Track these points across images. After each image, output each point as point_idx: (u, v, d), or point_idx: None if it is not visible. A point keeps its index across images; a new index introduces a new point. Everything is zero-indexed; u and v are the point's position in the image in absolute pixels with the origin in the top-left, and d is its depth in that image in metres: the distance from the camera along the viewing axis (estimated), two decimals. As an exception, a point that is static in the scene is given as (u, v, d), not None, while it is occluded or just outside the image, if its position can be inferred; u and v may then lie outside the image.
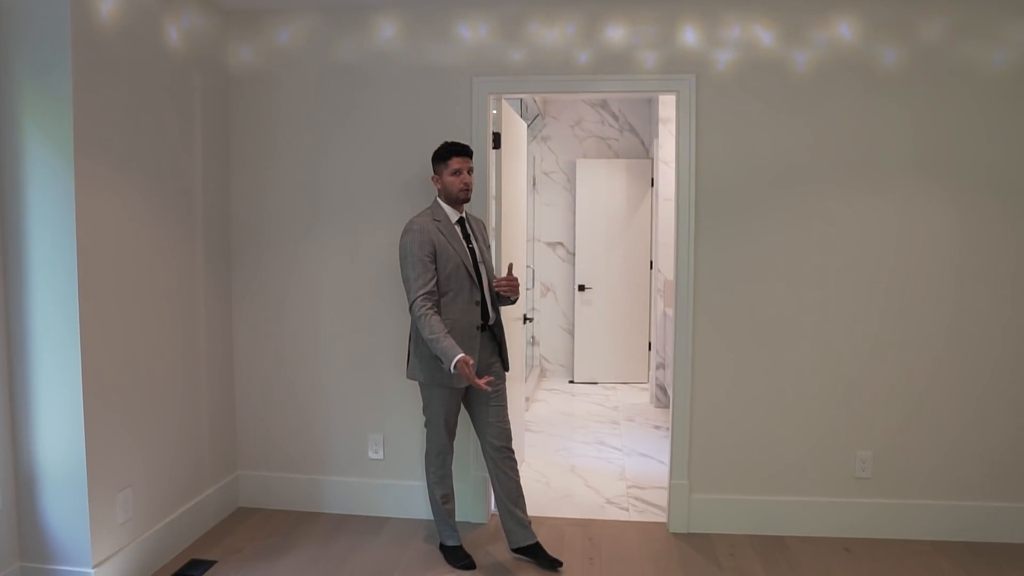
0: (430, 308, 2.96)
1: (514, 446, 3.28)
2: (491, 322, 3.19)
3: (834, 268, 3.42)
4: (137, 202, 3.01)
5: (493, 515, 3.68)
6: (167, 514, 3.23)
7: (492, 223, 3.64)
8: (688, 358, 3.49)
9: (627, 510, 3.86)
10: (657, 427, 5.48)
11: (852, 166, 3.37)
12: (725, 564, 3.22)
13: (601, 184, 6.83)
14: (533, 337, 7.12)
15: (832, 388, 3.46)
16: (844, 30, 3.33)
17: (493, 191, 3.69)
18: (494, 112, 3.68)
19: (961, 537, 3.43)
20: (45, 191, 2.67)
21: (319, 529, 3.56)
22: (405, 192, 3.59)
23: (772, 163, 3.41)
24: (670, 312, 5.60)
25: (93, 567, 2.77)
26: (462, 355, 2.85)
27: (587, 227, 6.87)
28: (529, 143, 6.25)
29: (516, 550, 3.24)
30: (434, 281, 3.00)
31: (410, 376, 3.19)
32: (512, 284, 3.19)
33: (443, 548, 3.27)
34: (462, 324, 3.05)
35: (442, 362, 2.91)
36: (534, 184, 7.00)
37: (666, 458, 4.56)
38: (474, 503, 3.65)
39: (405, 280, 3.03)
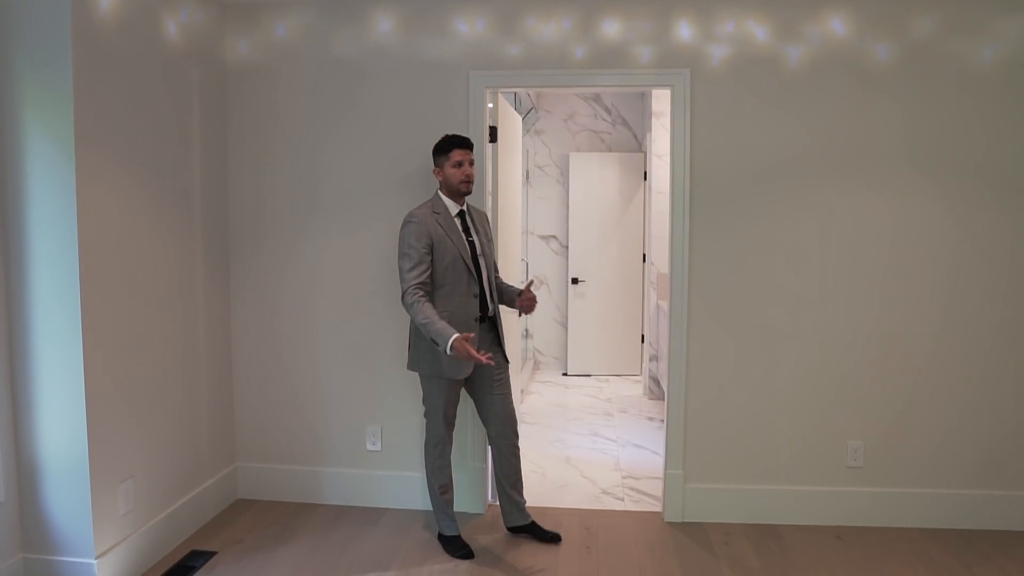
0: (421, 296, 2.97)
1: (511, 437, 3.35)
2: (490, 313, 3.23)
3: (828, 260, 3.47)
4: (136, 195, 3.03)
5: (491, 505, 3.73)
6: (167, 505, 3.26)
7: (489, 216, 3.66)
8: (683, 350, 3.54)
9: (622, 500, 3.91)
10: (651, 418, 5.54)
11: (845, 159, 3.42)
12: (719, 552, 3.27)
13: (594, 177, 6.86)
14: (527, 330, 7.16)
15: (825, 379, 3.52)
16: (836, 25, 3.37)
17: (489, 185, 3.72)
18: (490, 106, 3.70)
19: (951, 525, 3.50)
20: (46, 184, 2.68)
21: (317, 520, 3.59)
22: (402, 185, 3.61)
23: (766, 156, 3.45)
24: (663, 305, 5.66)
25: (96, 558, 2.79)
26: (457, 334, 2.85)
27: (580, 220, 6.91)
28: (522, 137, 6.27)
29: (513, 528, 3.34)
30: (427, 273, 3.02)
31: (411, 367, 3.22)
32: (533, 302, 3.25)
33: (441, 538, 3.31)
34: (459, 316, 3.08)
35: (438, 344, 2.89)
36: (527, 177, 7.02)
37: (660, 449, 4.62)
38: (471, 493, 3.68)
39: (399, 271, 3.06)
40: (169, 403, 3.27)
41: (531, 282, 3.37)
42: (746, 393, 3.55)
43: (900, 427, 3.51)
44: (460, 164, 3.12)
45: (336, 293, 3.71)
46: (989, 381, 3.46)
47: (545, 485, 4.10)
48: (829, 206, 3.45)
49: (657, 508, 3.76)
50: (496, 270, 3.35)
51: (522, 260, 6.77)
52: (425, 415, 3.27)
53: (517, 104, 6.05)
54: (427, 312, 2.93)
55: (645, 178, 6.70)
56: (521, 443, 3.39)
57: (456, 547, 3.24)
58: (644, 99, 6.65)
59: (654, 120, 5.93)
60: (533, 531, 3.34)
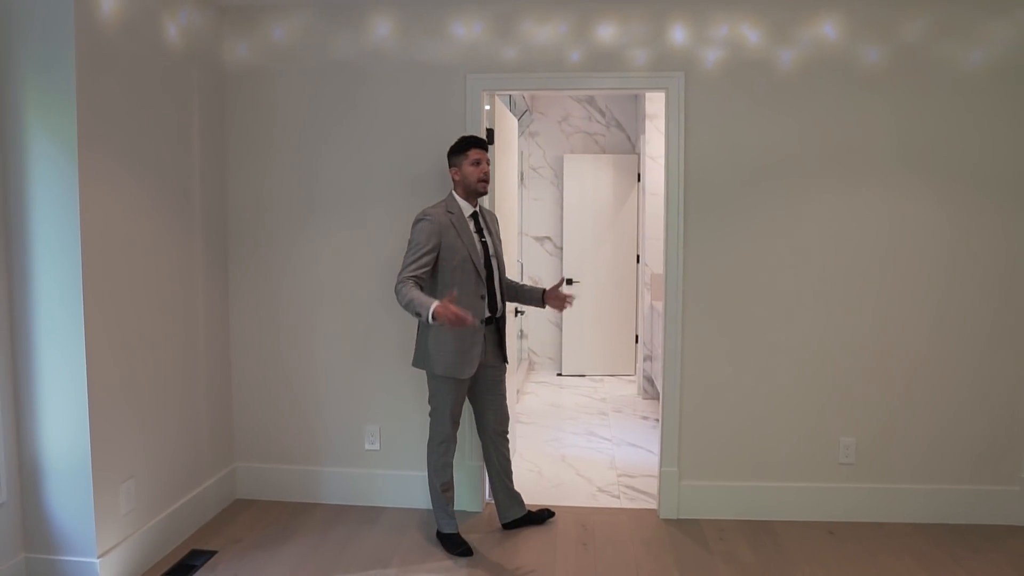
0: (412, 284, 2.98)
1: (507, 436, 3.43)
2: (498, 315, 3.27)
3: (821, 260, 3.52)
4: (138, 195, 3.05)
5: (488, 503, 3.76)
6: (168, 505, 3.28)
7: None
8: (678, 349, 3.58)
9: (618, 498, 3.95)
10: (645, 418, 5.58)
11: (838, 161, 3.47)
12: (714, 548, 3.32)
13: (588, 179, 6.91)
14: (521, 331, 7.20)
15: (818, 377, 3.57)
16: (828, 29, 3.43)
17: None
18: (487, 108, 3.74)
19: (941, 520, 3.55)
20: (49, 185, 2.70)
21: (317, 519, 3.61)
22: (400, 187, 3.64)
23: (759, 158, 3.50)
24: (657, 305, 5.70)
25: (97, 557, 2.80)
26: (437, 302, 2.84)
27: (574, 222, 6.95)
28: (517, 139, 6.31)
29: (510, 523, 3.42)
30: (425, 270, 3.06)
31: (417, 365, 3.26)
32: (564, 300, 3.34)
33: (440, 536, 3.34)
34: None
35: (420, 315, 2.87)
36: (522, 179, 7.06)
37: (655, 447, 4.66)
38: (469, 492, 3.71)
39: (403, 263, 3.09)
40: (169, 402, 3.29)
41: (563, 281, 3.46)
42: (740, 391, 3.60)
43: (892, 424, 3.56)
44: (478, 162, 3.17)
45: (334, 293, 3.74)
46: (979, 379, 3.52)
47: (542, 484, 4.14)
48: (823, 207, 3.50)
49: (652, 505, 3.80)
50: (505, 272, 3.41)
51: (518, 261, 6.81)
52: (430, 414, 3.30)
53: (512, 106, 6.09)
54: (408, 292, 2.93)
55: (639, 180, 6.76)
56: (517, 443, 3.46)
57: (455, 544, 3.27)
58: (637, 101, 6.70)
59: (647, 122, 5.99)
60: (529, 519, 3.42)
